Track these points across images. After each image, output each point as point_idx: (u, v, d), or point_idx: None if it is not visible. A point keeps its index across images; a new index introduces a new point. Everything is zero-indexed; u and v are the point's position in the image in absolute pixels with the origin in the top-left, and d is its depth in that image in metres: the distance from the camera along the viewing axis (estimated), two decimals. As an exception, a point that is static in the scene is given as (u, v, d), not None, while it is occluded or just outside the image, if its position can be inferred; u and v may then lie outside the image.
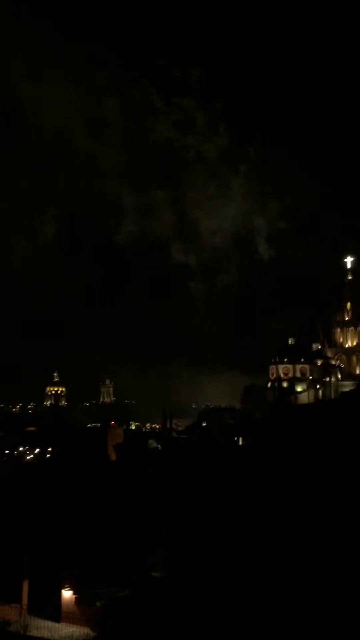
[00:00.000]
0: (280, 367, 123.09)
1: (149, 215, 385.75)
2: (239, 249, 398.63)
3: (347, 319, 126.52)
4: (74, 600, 27.06)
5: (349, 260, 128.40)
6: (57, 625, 26.39)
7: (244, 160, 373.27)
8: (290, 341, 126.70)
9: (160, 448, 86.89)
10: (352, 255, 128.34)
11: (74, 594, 27.18)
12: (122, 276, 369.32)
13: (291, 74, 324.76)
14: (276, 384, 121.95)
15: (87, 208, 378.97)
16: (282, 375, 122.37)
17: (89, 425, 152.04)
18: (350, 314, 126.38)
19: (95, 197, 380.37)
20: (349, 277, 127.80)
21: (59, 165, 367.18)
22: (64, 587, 27.33)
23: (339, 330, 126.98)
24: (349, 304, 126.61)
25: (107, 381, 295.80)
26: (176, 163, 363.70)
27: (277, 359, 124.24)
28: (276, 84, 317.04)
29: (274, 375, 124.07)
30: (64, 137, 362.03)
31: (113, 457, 77.33)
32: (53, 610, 27.05)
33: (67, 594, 27.26)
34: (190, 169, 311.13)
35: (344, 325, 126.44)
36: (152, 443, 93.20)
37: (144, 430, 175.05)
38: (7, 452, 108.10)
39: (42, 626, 25.85)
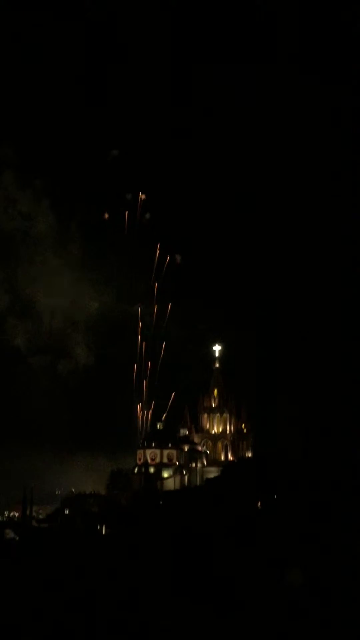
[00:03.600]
0: (148, 452, 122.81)
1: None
2: (84, 327, 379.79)
3: (213, 405, 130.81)
4: None
5: (216, 349, 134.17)
6: None
7: (72, 239, 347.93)
8: (158, 426, 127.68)
9: (17, 539, 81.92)
10: (219, 343, 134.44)
11: None
12: None
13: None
14: (143, 469, 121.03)
15: None
16: (149, 460, 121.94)
17: None
18: (216, 400, 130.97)
19: None
20: (216, 365, 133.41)
21: None
22: None
23: (205, 415, 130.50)
24: (215, 391, 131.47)
25: None
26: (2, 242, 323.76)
27: (145, 444, 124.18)
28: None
29: (141, 460, 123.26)
30: None
31: (-36, 550, 71.16)
32: None
33: None
34: (18, 248, 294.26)
35: (211, 411, 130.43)
36: (9, 533, 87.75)
37: (1, 519, 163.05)
38: None
39: None
